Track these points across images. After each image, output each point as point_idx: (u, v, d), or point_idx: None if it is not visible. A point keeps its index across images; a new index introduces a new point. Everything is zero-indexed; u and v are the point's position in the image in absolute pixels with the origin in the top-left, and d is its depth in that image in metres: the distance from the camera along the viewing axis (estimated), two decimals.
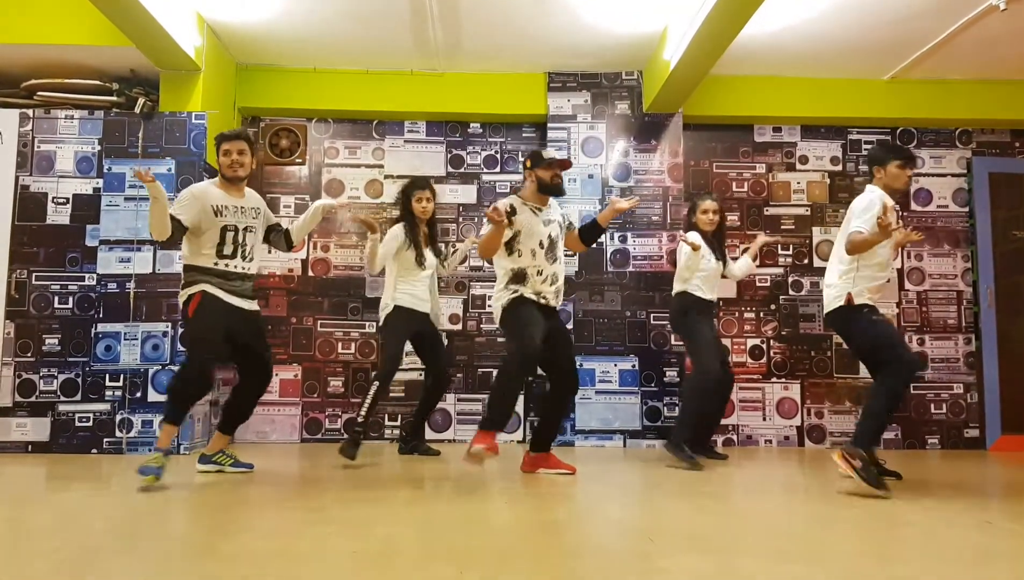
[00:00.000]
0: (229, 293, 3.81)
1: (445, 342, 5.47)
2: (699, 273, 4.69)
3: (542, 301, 3.96)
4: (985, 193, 6.02)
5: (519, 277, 3.96)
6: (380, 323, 4.74)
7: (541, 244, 3.95)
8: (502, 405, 3.80)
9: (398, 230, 4.70)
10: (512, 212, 3.94)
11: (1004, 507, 3.31)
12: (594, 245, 4.28)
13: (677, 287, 4.80)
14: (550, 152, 4.11)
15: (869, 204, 3.82)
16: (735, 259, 5.11)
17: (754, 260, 5.08)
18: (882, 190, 3.94)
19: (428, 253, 4.79)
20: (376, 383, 4.52)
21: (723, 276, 4.93)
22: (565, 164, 4.06)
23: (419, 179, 4.97)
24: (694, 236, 4.70)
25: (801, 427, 5.85)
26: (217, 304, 3.76)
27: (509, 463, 4.69)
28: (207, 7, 5.00)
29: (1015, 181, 6.07)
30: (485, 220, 3.90)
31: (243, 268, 3.89)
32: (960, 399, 5.90)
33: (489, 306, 5.86)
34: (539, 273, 3.95)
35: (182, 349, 4.84)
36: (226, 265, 3.84)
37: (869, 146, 6.10)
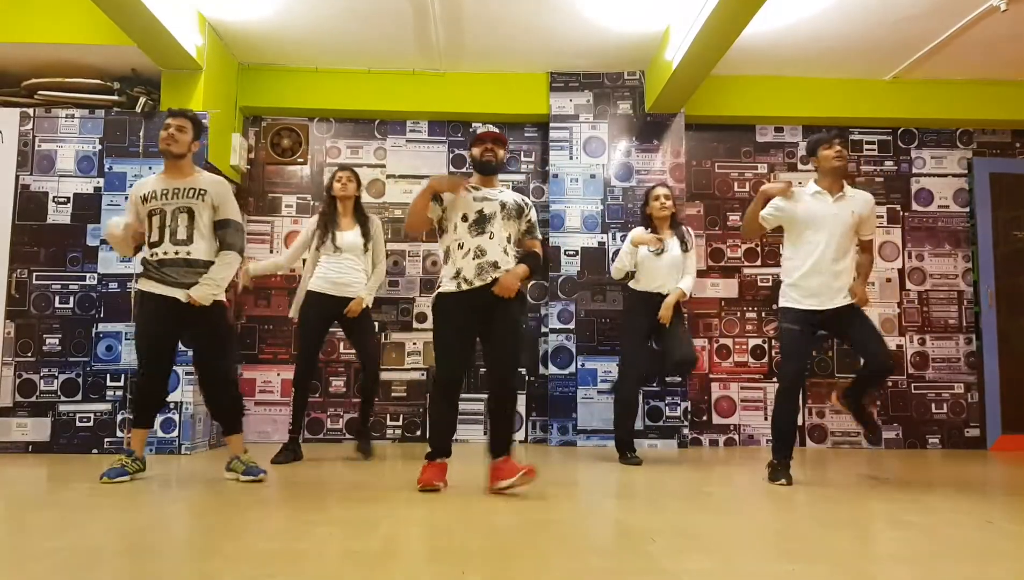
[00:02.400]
0: (163, 284, 3.65)
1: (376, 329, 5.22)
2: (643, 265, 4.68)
3: (463, 286, 3.53)
4: (986, 193, 6.03)
5: (445, 257, 3.65)
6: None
7: (465, 217, 3.58)
8: (433, 431, 3.65)
9: (312, 217, 4.77)
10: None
11: (1005, 507, 3.31)
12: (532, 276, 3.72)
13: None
14: (484, 127, 3.78)
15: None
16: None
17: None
18: (811, 185, 4.00)
19: (346, 234, 4.63)
20: (293, 389, 4.52)
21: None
22: (494, 137, 3.67)
23: (342, 165, 4.99)
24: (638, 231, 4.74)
25: (802, 427, 5.85)
26: (148, 305, 3.66)
27: None
28: (209, 6, 5.00)
29: (1016, 181, 6.07)
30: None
31: (174, 253, 3.65)
32: (961, 399, 5.90)
33: None
34: (460, 246, 3.57)
35: None
36: (152, 254, 3.69)
37: (870, 146, 6.12)
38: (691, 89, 5.44)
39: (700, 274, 5.90)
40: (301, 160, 6.03)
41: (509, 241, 3.66)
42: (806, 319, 3.86)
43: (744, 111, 5.98)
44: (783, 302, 3.96)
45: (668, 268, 4.64)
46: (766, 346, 5.92)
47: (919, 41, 5.31)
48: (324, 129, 6.07)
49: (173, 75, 5.20)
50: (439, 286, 3.62)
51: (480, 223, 3.58)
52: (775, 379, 5.82)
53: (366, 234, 4.69)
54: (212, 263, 3.72)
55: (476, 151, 3.68)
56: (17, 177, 5.11)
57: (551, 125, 5.90)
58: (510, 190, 3.80)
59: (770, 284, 5.93)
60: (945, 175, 6.12)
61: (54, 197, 5.10)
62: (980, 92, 5.93)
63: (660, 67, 5.42)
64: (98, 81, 5.31)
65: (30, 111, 5.18)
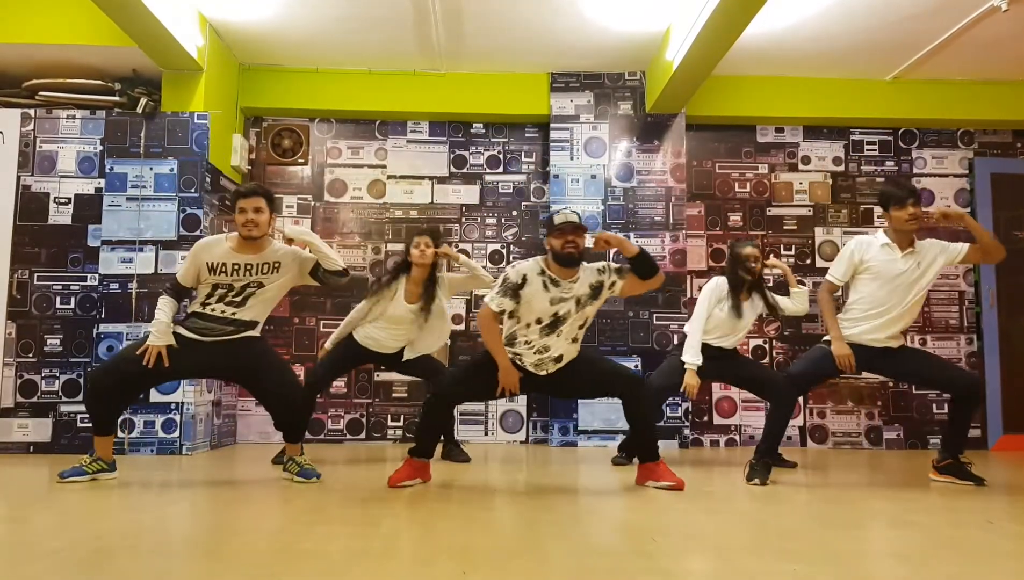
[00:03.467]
0: (196, 333, 3.62)
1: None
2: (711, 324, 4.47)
3: (517, 363, 3.62)
4: (987, 194, 6.02)
5: (509, 338, 3.64)
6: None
7: (539, 320, 3.56)
8: (423, 434, 3.73)
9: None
10: (522, 284, 3.53)
11: (1006, 507, 3.30)
12: (651, 273, 3.60)
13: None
14: (564, 215, 3.53)
15: (844, 251, 3.97)
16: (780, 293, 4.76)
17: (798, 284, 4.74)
18: (881, 235, 3.90)
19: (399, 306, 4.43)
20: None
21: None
22: (578, 230, 3.49)
23: (424, 225, 4.78)
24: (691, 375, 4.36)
25: (804, 427, 5.85)
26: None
27: (510, 463, 4.69)
28: (210, 7, 5.00)
29: (1017, 182, 6.07)
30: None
31: (220, 312, 3.63)
32: None
33: None
34: (526, 342, 3.60)
35: None
36: (196, 306, 3.67)
37: (871, 146, 6.12)
38: (692, 89, 5.44)
39: (701, 274, 5.90)
40: (302, 161, 6.04)
41: (581, 328, 3.65)
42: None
43: (745, 111, 5.98)
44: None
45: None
46: (767, 346, 5.91)
47: (920, 41, 5.30)
48: (325, 130, 6.08)
49: (174, 76, 5.21)
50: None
51: (553, 326, 3.58)
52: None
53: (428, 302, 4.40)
54: (256, 323, 3.72)
55: (556, 243, 3.50)
56: (18, 178, 5.11)
57: (552, 125, 5.90)
58: (588, 267, 3.62)
59: (771, 285, 5.91)
60: (946, 175, 6.11)
61: (55, 198, 5.11)
62: (981, 92, 5.93)
63: (661, 67, 5.42)
64: (99, 82, 5.31)
65: (31, 112, 5.18)
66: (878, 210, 6.02)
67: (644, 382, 3.68)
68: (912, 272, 3.83)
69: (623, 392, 3.64)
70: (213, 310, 3.63)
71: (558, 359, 3.63)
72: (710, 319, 4.41)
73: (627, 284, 3.63)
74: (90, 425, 3.71)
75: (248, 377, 3.75)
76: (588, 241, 3.63)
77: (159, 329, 3.55)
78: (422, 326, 4.42)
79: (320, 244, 3.71)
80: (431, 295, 4.38)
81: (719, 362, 4.45)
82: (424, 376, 4.66)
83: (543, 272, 3.56)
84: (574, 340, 3.65)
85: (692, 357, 4.34)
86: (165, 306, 3.59)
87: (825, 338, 3.94)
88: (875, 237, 3.93)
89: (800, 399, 5.79)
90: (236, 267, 3.61)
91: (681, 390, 4.37)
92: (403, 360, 4.53)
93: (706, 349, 4.39)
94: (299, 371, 5.74)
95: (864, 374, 5.78)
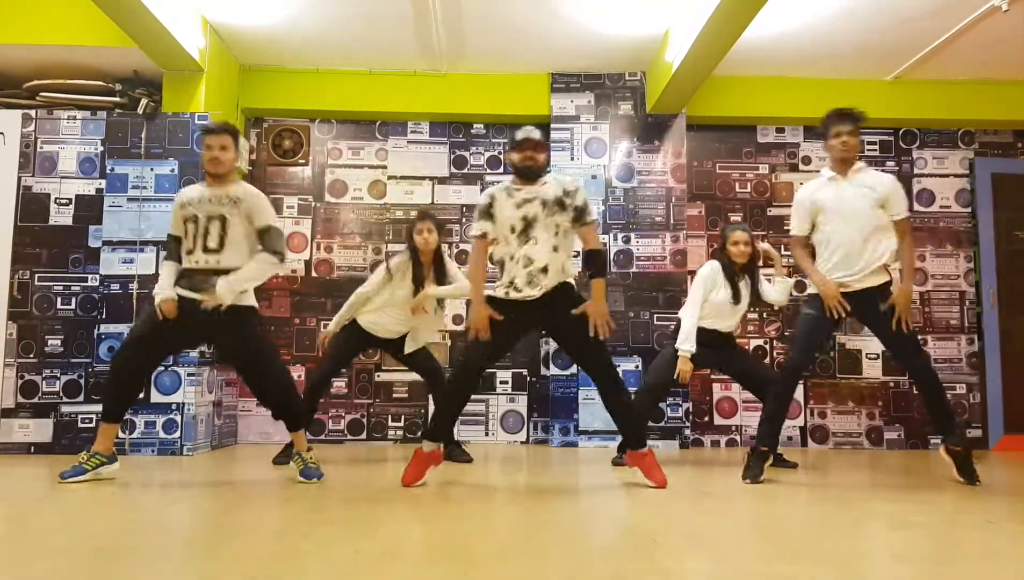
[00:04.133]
0: (192, 290, 3.64)
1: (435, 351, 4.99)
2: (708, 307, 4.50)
3: (512, 294, 3.66)
4: (988, 194, 6.02)
5: (500, 265, 3.76)
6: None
7: (512, 228, 3.66)
8: (437, 415, 3.82)
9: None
10: (491, 203, 3.71)
11: (1007, 507, 3.30)
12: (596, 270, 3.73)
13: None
14: (525, 131, 3.72)
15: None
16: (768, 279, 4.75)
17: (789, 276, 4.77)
18: (825, 171, 3.93)
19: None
20: (305, 393, 4.45)
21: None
22: (538, 146, 3.68)
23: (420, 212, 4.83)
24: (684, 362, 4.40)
25: (804, 427, 5.85)
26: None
27: (511, 464, 4.69)
28: (210, 9, 5.01)
29: (1018, 182, 6.07)
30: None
31: (204, 261, 3.65)
32: (963, 399, 5.89)
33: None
34: (511, 258, 3.69)
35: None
36: (186, 262, 3.71)
37: (872, 146, 6.12)
38: (692, 90, 5.44)
39: None
40: (303, 161, 6.04)
41: (558, 236, 3.67)
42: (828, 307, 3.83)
43: (745, 112, 5.98)
44: (811, 289, 3.97)
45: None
46: (768, 347, 5.91)
47: (920, 41, 5.30)
48: (325, 130, 6.08)
49: (175, 77, 5.21)
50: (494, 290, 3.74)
51: (526, 231, 3.66)
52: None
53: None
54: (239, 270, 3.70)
55: (516, 157, 3.69)
56: (19, 178, 5.11)
57: (552, 126, 5.90)
58: (554, 178, 3.76)
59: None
60: (947, 175, 6.11)
61: (56, 198, 5.11)
62: (982, 92, 5.93)
63: (661, 68, 5.42)
64: (100, 83, 5.32)
65: (32, 113, 5.18)
66: None
67: (619, 376, 3.72)
68: (863, 195, 3.78)
69: (597, 377, 3.70)
70: (197, 262, 3.66)
71: (544, 270, 3.65)
72: (706, 304, 4.45)
73: (581, 234, 3.74)
74: (100, 413, 3.75)
75: (235, 358, 3.78)
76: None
77: (161, 286, 3.69)
78: (427, 310, 4.54)
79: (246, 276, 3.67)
80: (442, 275, 4.53)
81: (717, 350, 4.47)
82: (424, 375, 4.70)
83: (507, 187, 3.74)
84: (554, 249, 3.66)
85: (688, 345, 4.39)
86: (165, 268, 3.75)
87: (805, 295, 3.99)
88: (820, 175, 3.95)
89: (801, 399, 5.84)
90: (200, 199, 3.70)
91: (675, 377, 4.41)
92: (406, 353, 4.59)
93: (703, 334, 4.43)
94: (300, 371, 5.75)
95: (865, 375, 5.81)
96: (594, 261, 3.71)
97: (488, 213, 3.72)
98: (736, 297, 4.47)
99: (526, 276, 3.65)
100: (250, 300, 3.74)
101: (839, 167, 3.86)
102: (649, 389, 4.48)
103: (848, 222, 3.81)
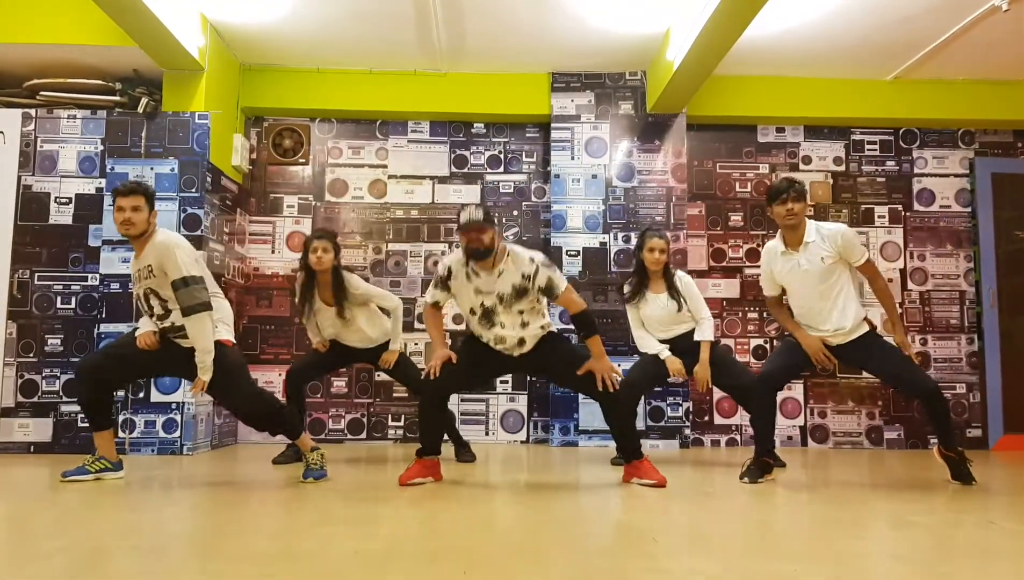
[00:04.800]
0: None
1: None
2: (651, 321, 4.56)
3: (497, 346, 3.72)
4: (988, 193, 6.02)
5: (468, 325, 3.82)
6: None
7: (472, 311, 3.68)
8: (422, 432, 3.79)
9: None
10: (447, 276, 3.68)
11: (1007, 507, 3.30)
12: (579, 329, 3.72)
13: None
14: (467, 212, 3.53)
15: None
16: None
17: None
18: (777, 240, 3.89)
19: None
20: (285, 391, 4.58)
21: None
22: (473, 229, 3.48)
23: (316, 230, 4.71)
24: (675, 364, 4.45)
25: (804, 427, 5.85)
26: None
27: (511, 463, 4.69)
28: (211, 8, 5.00)
29: (1018, 181, 6.07)
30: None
31: (163, 324, 3.61)
32: (963, 399, 5.90)
33: None
34: (479, 336, 3.75)
35: None
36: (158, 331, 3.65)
37: (872, 146, 6.12)
38: (692, 89, 5.44)
39: (702, 274, 5.90)
40: (303, 160, 6.04)
41: (524, 314, 3.66)
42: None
43: (746, 111, 5.98)
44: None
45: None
46: (768, 347, 5.91)
47: (921, 41, 5.30)
48: (326, 129, 6.08)
49: (175, 76, 5.21)
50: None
51: (487, 317, 3.67)
52: None
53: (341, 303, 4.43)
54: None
55: (463, 241, 3.57)
56: (19, 177, 5.11)
57: (552, 125, 5.90)
58: (511, 262, 3.62)
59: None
60: (947, 175, 6.11)
61: (56, 198, 5.11)
62: (982, 92, 5.93)
63: (661, 67, 5.42)
64: (100, 82, 5.31)
65: (32, 112, 5.18)
66: (879, 210, 6.05)
67: (617, 396, 3.69)
68: (817, 266, 3.73)
69: (600, 400, 3.70)
70: (159, 325, 3.64)
71: (521, 342, 3.69)
72: (646, 320, 4.55)
73: (559, 303, 3.69)
74: (87, 424, 3.74)
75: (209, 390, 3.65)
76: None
77: (142, 323, 3.70)
78: (351, 323, 4.46)
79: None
80: (342, 295, 4.38)
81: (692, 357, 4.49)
82: (400, 381, 4.74)
83: (466, 263, 3.65)
84: (524, 325, 3.66)
85: (653, 347, 4.48)
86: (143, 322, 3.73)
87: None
88: (775, 244, 3.90)
89: (801, 399, 5.84)
90: (136, 275, 3.62)
91: (668, 378, 4.47)
92: (376, 357, 4.60)
93: (670, 343, 4.52)
94: None
95: (865, 375, 5.81)
96: (582, 323, 3.66)
97: (445, 284, 3.72)
98: (657, 304, 4.50)
99: (500, 348, 3.72)
100: (218, 335, 3.61)
101: (788, 235, 3.82)
102: (630, 387, 4.42)
103: (808, 292, 3.80)
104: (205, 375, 3.52)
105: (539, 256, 3.65)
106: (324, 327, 4.53)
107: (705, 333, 4.47)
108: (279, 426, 3.79)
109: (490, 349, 3.74)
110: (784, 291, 3.96)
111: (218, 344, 3.57)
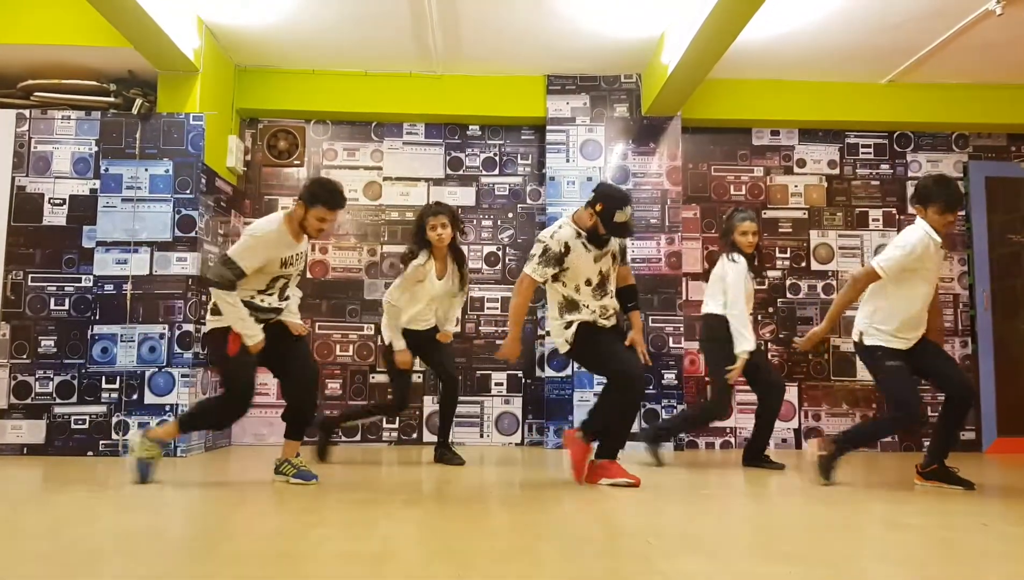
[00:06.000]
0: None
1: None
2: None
3: (602, 322, 3.76)
4: (981, 197, 6.04)
5: (572, 306, 3.75)
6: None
7: (588, 281, 3.72)
8: (620, 431, 3.81)
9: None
10: (565, 251, 3.66)
11: (1000, 509, 3.31)
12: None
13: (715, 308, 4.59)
14: (624, 214, 3.61)
15: (906, 243, 3.75)
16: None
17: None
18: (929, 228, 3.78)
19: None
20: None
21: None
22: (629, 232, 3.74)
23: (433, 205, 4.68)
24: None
25: (799, 430, 5.86)
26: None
27: (506, 466, 4.69)
28: (206, 9, 5.00)
29: (1011, 185, 6.09)
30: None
31: (271, 304, 3.72)
32: None
33: (489, 308, 5.90)
34: (587, 307, 3.74)
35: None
36: (261, 301, 3.68)
37: (867, 149, 6.13)
38: (687, 92, 5.45)
39: (696, 277, 5.91)
40: (298, 162, 6.03)
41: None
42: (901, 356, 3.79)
43: (740, 114, 5.99)
44: (876, 341, 3.80)
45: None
46: (762, 348, 5.91)
47: (915, 45, 5.32)
48: (321, 131, 6.07)
49: (170, 77, 5.20)
50: (567, 325, 3.74)
51: (603, 285, 3.77)
52: None
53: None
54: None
55: (620, 217, 3.62)
56: (13, 178, 5.09)
57: (548, 128, 5.90)
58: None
59: (765, 287, 5.93)
60: None
61: (50, 199, 5.09)
62: (976, 96, 5.95)
63: (657, 70, 5.43)
64: (94, 83, 5.30)
65: (26, 112, 5.16)
66: (873, 213, 6.06)
67: (635, 386, 3.68)
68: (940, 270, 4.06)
69: (612, 382, 3.75)
70: (263, 301, 3.68)
71: (616, 312, 3.86)
72: (748, 299, 4.57)
73: (620, 272, 3.92)
74: (190, 424, 3.90)
75: (281, 356, 3.75)
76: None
77: (252, 329, 3.59)
78: (455, 296, 4.65)
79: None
80: (460, 262, 4.58)
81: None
82: (440, 364, 4.65)
83: (579, 234, 3.71)
84: (612, 294, 3.86)
85: (750, 344, 4.43)
86: (236, 302, 3.55)
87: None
88: (929, 234, 3.81)
89: (796, 402, 5.85)
90: (296, 257, 3.71)
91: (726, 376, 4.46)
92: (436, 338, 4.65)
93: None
94: None
95: (859, 377, 5.83)
96: (634, 294, 3.99)
97: (560, 260, 3.68)
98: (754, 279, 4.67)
99: (606, 319, 3.78)
100: (212, 325, 3.65)
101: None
102: (722, 392, 4.56)
103: (929, 292, 3.83)
104: (250, 342, 3.57)
105: None
106: (419, 301, 4.48)
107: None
108: (312, 412, 3.89)
109: (604, 328, 3.77)
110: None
111: (213, 333, 3.64)
